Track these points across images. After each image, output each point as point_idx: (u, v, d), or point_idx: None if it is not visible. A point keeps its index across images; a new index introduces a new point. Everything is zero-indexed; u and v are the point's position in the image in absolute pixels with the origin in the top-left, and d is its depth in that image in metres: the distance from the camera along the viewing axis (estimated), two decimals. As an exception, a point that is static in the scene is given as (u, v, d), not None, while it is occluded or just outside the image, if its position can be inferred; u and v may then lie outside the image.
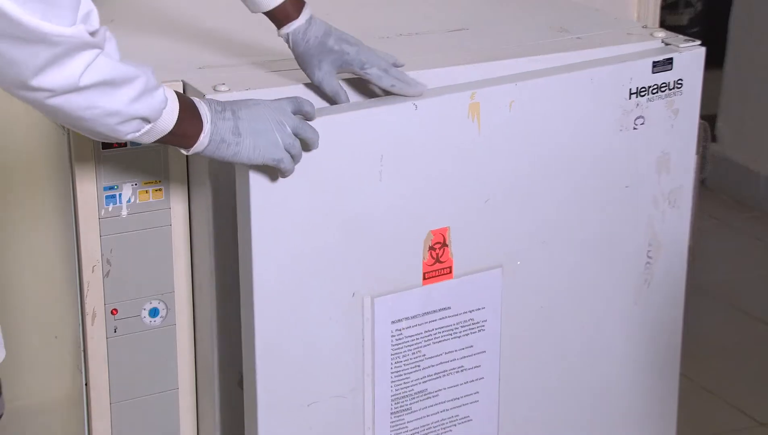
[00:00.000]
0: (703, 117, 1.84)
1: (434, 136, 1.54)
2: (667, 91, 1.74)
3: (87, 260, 1.61)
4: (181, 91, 1.54)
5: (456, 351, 1.64)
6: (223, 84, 1.53)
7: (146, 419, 1.69)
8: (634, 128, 1.72)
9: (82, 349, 1.64)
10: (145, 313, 1.65)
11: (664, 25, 2.24)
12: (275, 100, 1.41)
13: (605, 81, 1.68)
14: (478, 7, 2.02)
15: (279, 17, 1.54)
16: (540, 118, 1.63)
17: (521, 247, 1.66)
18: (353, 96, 1.58)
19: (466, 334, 1.64)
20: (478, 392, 1.67)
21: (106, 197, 1.59)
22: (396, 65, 1.55)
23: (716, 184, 3.67)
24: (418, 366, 1.60)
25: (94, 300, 1.62)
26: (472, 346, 1.64)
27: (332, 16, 1.60)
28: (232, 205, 1.58)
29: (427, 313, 1.60)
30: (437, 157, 1.55)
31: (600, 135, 1.70)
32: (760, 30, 3.55)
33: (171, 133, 1.33)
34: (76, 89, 1.20)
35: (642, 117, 1.72)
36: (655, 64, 1.71)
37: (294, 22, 1.53)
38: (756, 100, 3.59)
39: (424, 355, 1.61)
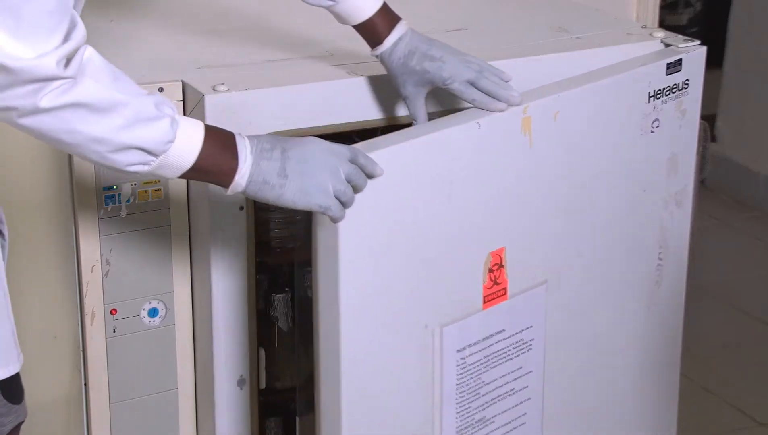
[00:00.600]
0: (702, 117, 1.84)
1: (494, 154, 1.51)
2: (677, 93, 1.74)
3: (86, 260, 1.60)
4: (180, 93, 1.53)
5: (508, 374, 1.61)
6: (223, 84, 1.53)
7: (145, 419, 1.68)
8: (651, 131, 1.72)
9: (81, 349, 1.64)
10: (144, 313, 1.65)
11: (663, 25, 2.24)
12: (334, 144, 1.33)
13: (630, 86, 1.68)
14: (478, 7, 2.02)
15: (368, 36, 1.54)
16: (579, 127, 1.62)
17: (563, 260, 1.65)
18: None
19: (517, 356, 1.61)
20: (525, 414, 1.65)
21: (106, 197, 1.59)
22: (484, 74, 1.50)
23: (716, 184, 3.67)
24: (478, 393, 1.58)
25: (94, 300, 1.62)
26: (521, 367, 1.62)
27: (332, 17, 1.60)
28: (227, 204, 1.58)
29: (486, 337, 1.56)
30: (496, 175, 1.53)
31: (625, 140, 1.70)
32: (760, 29, 3.55)
33: (194, 169, 1.24)
34: (40, 111, 1.13)
35: (657, 120, 1.72)
36: (668, 66, 1.70)
37: (380, 47, 1.52)
38: (755, 99, 3.59)
39: (483, 381, 1.58)
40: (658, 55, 1.74)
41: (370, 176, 1.35)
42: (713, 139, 3.69)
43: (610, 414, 1.84)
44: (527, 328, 1.62)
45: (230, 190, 1.28)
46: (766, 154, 3.58)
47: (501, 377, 1.60)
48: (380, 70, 1.62)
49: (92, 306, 1.62)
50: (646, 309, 1.81)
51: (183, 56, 1.68)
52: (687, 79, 1.74)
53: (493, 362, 1.58)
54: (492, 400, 1.60)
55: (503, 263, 1.55)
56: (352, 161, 1.32)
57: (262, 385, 1.68)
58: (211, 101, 1.50)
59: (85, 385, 1.65)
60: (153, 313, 1.66)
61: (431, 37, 1.54)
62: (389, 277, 1.43)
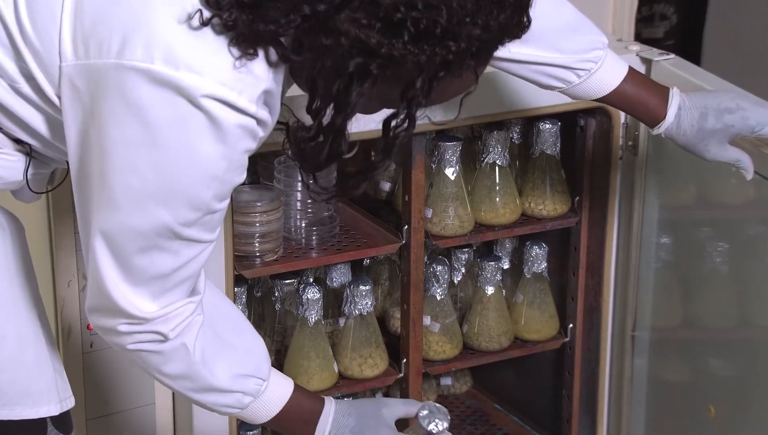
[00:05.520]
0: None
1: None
2: None
3: (62, 275, 1.60)
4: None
5: None
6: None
7: (123, 435, 1.68)
8: None
9: (57, 364, 1.63)
10: (121, 328, 1.64)
11: (640, 38, 2.25)
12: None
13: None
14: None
15: (640, 114, 1.47)
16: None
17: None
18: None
19: None
20: None
21: (82, 211, 1.58)
22: None
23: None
24: None
25: (70, 315, 1.61)
26: None
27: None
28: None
29: None
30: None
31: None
32: (735, 42, 3.57)
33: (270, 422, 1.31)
34: (122, 348, 1.20)
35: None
36: None
37: (662, 123, 1.45)
38: (731, 112, 3.61)
39: None
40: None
41: None
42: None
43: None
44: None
45: None
46: (742, 166, 3.60)
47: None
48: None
49: (68, 321, 1.62)
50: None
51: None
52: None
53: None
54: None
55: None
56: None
57: (240, 400, 1.67)
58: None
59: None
60: (130, 327, 1.65)
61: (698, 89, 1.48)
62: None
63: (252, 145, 1.12)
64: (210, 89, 1.06)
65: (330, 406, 1.32)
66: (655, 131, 1.48)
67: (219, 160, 1.10)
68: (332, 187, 1.18)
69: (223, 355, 1.24)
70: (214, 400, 1.26)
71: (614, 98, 1.47)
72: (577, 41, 1.43)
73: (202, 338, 1.21)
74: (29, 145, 1.21)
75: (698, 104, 1.46)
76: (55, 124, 1.16)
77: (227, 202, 1.16)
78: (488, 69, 1.50)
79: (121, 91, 1.07)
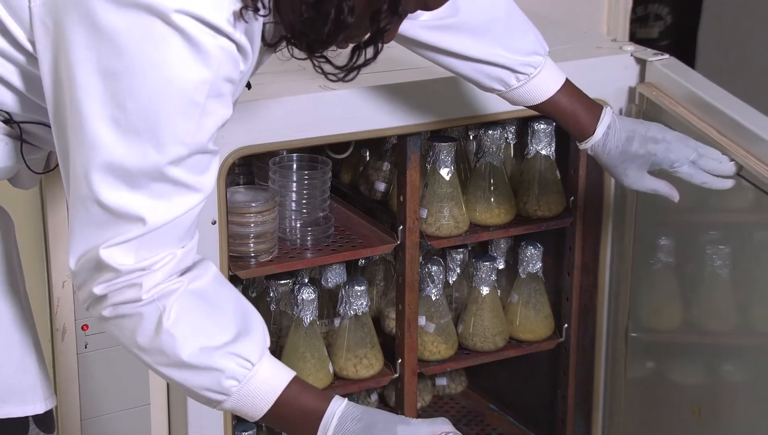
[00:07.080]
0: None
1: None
2: None
3: (57, 275, 1.60)
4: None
5: None
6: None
7: (118, 435, 1.68)
8: None
9: (52, 365, 1.63)
10: (116, 329, 1.64)
11: (634, 38, 2.25)
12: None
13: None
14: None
15: (571, 125, 1.49)
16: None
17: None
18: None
19: None
20: None
21: (77, 212, 1.58)
22: (700, 152, 1.50)
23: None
24: None
25: (65, 316, 1.61)
26: None
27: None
28: (200, 218, 1.57)
29: None
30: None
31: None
32: (729, 42, 3.58)
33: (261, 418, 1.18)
34: (100, 318, 1.14)
35: None
36: None
37: (591, 138, 1.49)
38: (726, 112, 3.62)
39: None
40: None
41: None
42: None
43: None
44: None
45: None
46: (737, 166, 3.60)
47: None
48: (352, 85, 1.62)
49: (63, 322, 1.61)
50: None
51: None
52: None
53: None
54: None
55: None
56: None
57: (235, 400, 1.67)
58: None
59: (56, 401, 1.64)
60: (125, 328, 1.65)
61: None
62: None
63: (234, 74, 1.09)
64: (181, 4, 1.04)
65: (338, 404, 1.17)
66: (582, 146, 1.51)
67: (199, 84, 1.06)
68: (347, 64, 1.13)
69: (205, 327, 1.14)
70: (190, 379, 1.13)
71: (548, 107, 1.50)
72: (519, 40, 1.45)
73: (187, 306, 1.13)
74: (19, 126, 1.18)
75: (627, 127, 1.50)
76: (29, 76, 1.14)
77: (216, 150, 1.11)
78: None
79: (90, 18, 1.05)
